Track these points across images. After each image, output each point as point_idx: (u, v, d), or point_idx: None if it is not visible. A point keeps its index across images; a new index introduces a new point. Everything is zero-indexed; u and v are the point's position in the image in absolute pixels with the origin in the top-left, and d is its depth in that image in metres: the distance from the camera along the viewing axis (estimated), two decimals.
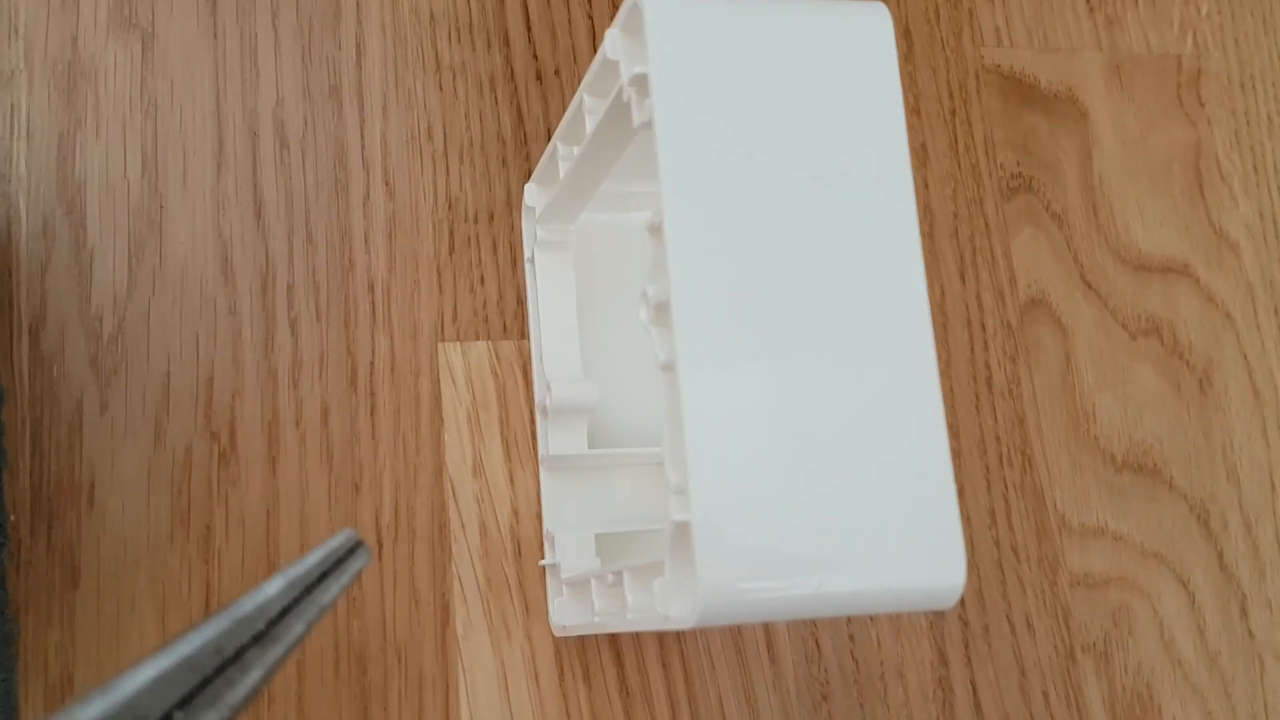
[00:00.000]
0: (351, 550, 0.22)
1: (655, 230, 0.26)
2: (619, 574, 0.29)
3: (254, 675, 0.20)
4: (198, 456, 0.35)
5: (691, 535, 0.24)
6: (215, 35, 0.38)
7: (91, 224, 0.36)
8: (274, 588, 0.21)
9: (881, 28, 0.28)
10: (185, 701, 0.19)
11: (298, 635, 0.21)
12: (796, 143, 0.27)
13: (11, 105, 0.36)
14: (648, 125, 0.26)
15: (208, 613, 0.34)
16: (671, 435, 0.25)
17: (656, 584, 0.26)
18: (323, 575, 0.21)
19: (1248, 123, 0.49)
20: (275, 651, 0.20)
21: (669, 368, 0.26)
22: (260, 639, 0.20)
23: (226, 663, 0.19)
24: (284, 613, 0.20)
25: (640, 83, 0.26)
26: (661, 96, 0.26)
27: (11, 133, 0.36)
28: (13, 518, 0.33)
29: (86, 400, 0.35)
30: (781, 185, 0.26)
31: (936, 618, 0.41)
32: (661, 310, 0.26)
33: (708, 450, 0.25)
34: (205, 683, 0.19)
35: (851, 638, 0.40)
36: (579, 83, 0.41)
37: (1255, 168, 0.48)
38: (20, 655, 0.33)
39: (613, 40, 0.28)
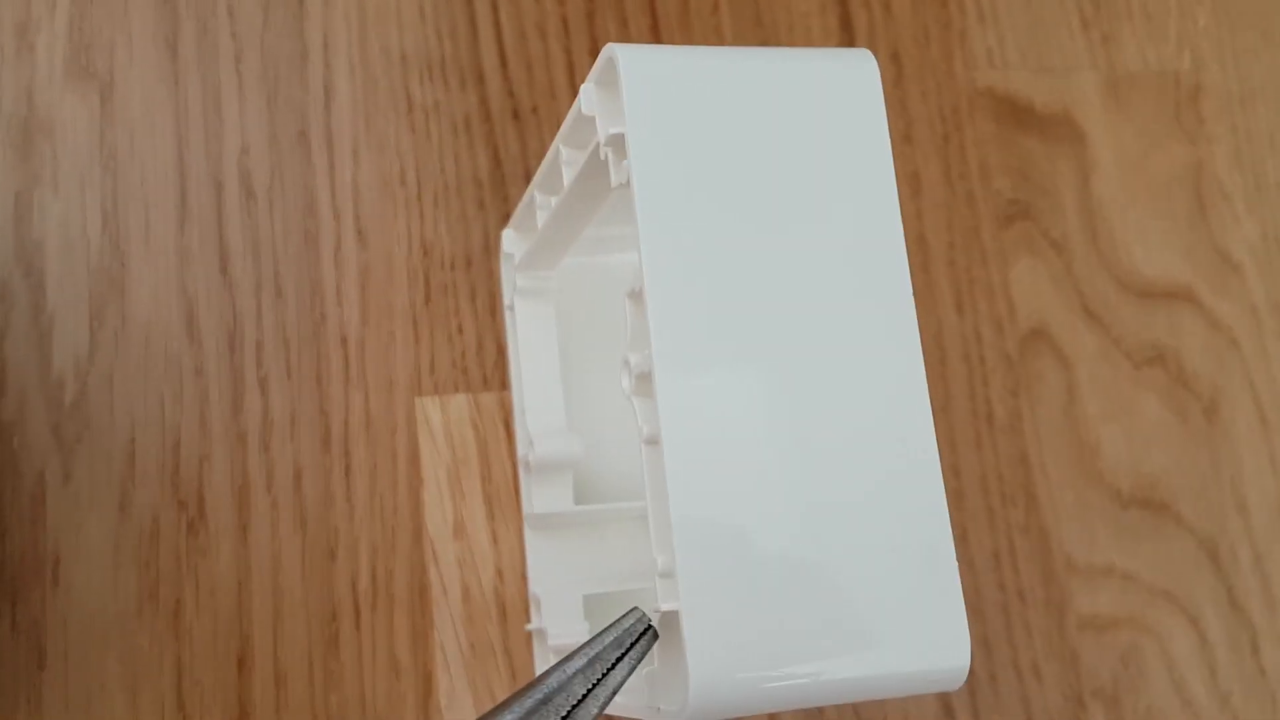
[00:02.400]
0: (642, 633, 0.23)
1: (635, 297, 0.25)
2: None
3: None
4: (165, 527, 0.34)
5: (680, 625, 0.23)
6: (176, 82, 0.37)
7: (51, 285, 0.34)
8: (575, 666, 0.22)
9: (868, 76, 0.26)
10: None
11: (592, 718, 0.22)
12: (782, 199, 0.25)
13: None
14: (625, 186, 0.25)
15: (180, 693, 0.33)
16: (656, 514, 0.24)
17: (646, 673, 0.25)
18: (618, 657, 0.22)
19: (1249, 140, 0.47)
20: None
21: (653, 442, 0.24)
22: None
23: None
24: (585, 695, 0.21)
25: (617, 143, 0.25)
26: (639, 159, 0.24)
27: None
28: None
29: (49, 471, 0.33)
30: (767, 245, 0.25)
31: None
32: (644, 380, 0.24)
33: (696, 531, 0.23)
34: None
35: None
36: (557, 120, 0.40)
37: (1257, 186, 0.47)
38: None
39: (588, 95, 0.26)
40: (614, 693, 0.22)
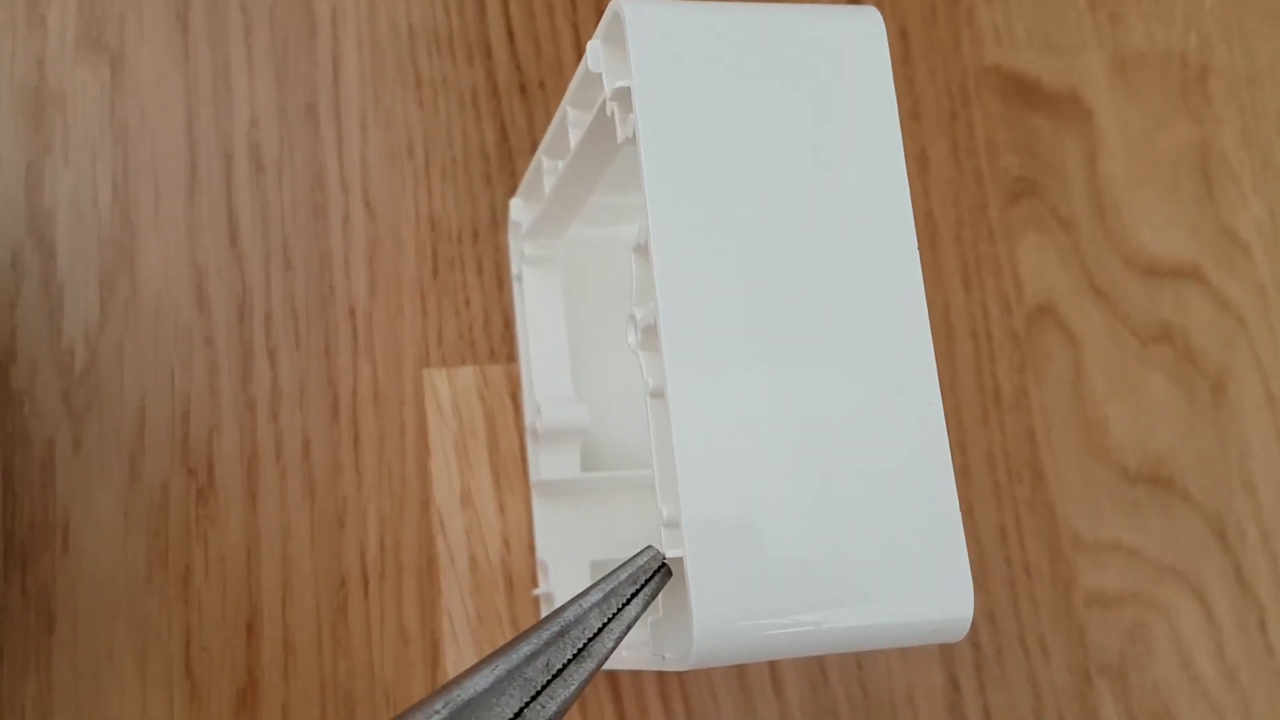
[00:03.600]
0: (657, 570, 0.23)
1: (641, 251, 0.25)
2: None
3: (572, 690, 0.21)
4: (175, 494, 0.34)
5: (685, 572, 0.23)
6: (186, 56, 0.37)
7: (61, 255, 0.35)
8: (591, 600, 0.22)
9: (874, 32, 0.26)
10: (517, 716, 0.20)
11: (608, 651, 0.22)
12: (788, 155, 0.25)
13: None
14: (632, 141, 0.25)
15: (188, 659, 0.33)
16: (661, 465, 0.24)
17: (651, 622, 0.25)
18: (632, 593, 0.23)
19: (1256, 119, 0.47)
20: (589, 666, 0.22)
21: (658, 394, 0.24)
22: (580, 655, 0.22)
23: (553, 678, 0.21)
24: (601, 629, 0.22)
25: (623, 97, 0.25)
26: (645, 112, 0.25)
27: None
28: None
29: (59, 438, 0.33)
30: (773, 201, 0.25)
31: (947, 643, 0.39)
32: (649, 334, 0.25)
33: (701, 481, 0.23)
34: (534, 697, 0.21)
35: (859, 665, 0.38)
36: (563, 94, 0.40)
37: (1265, 165, 0.47)
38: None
39: (594, 51, 0.26)
40: (629, 627, 0.23)
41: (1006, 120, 0.44)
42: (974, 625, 0.39)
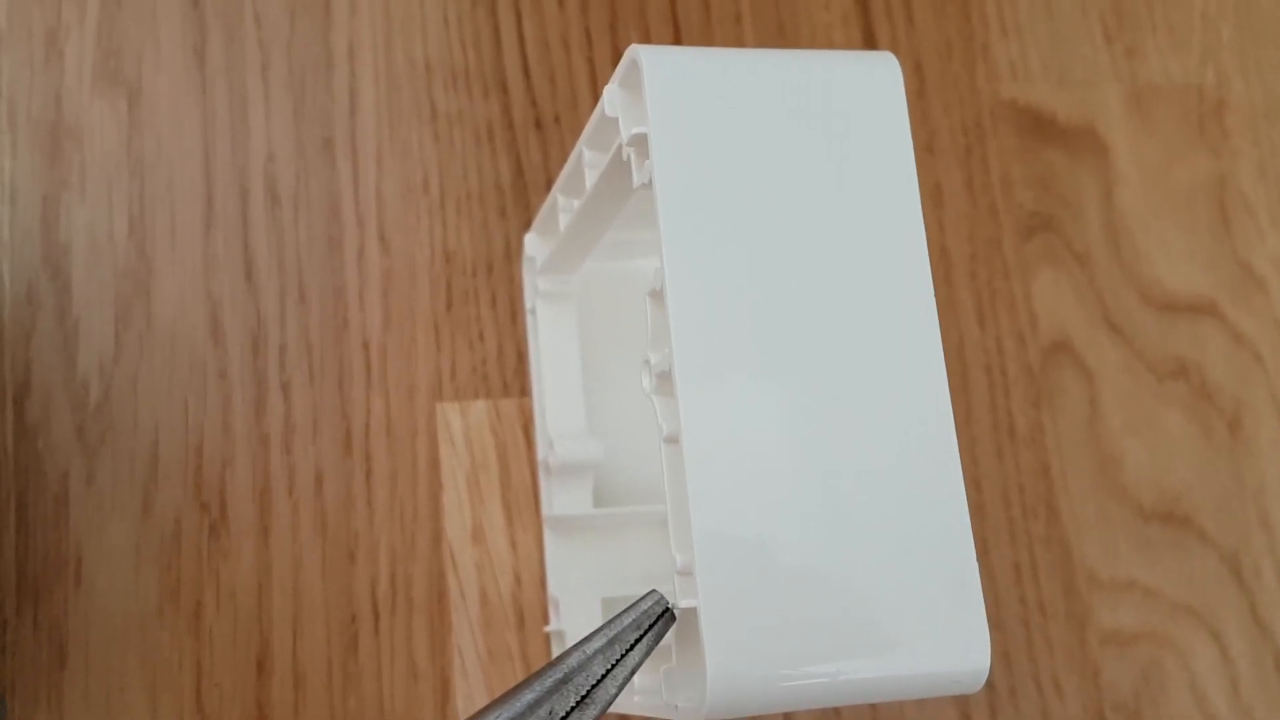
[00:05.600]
0: (661, 615, 0.23)
1: (656, 297, 0.25)
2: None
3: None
4: (187, 528, 0.34)
5: (699, 622, 0.23)
6: (204, 90, 0.37)
7: (77, 289, 0.35)
8: (594, 646, 0.22)
9: (890, 78, 0.26)
10: None
11: (611, 697, 0.22)
12: (804, 201, 0.25)
13: None
14: (648, 186, 0.25)
15: (199, 694, 0.33)
16: (675, 512, 0.24)
17: (664, 670, 0.25)
18: (636, 639, 0.23)
19: (1273, 153, 0.47)
20: (592, 713, 0.22)
21: (673, 440, 0.24)
22: (583, 702, 0.22)
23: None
24: (604, 675, 0.22)
25: (640, 143, 0.25)
26: (661, 158, 0.25)
27: None
28: None
29: (73, 472, 0.33)
30: (788, 247, 0.25)
31: None
32: (664, 379, 0.25)
33: (715, 529, 0.23)
34: None
35: (873, 705, 0.38)
36: (580, 130, 0.40)
37: None
38: None
39: (611, 96, 0.26)
40: (632, 672, 0.22)
41: (1022, 155, 0.44)
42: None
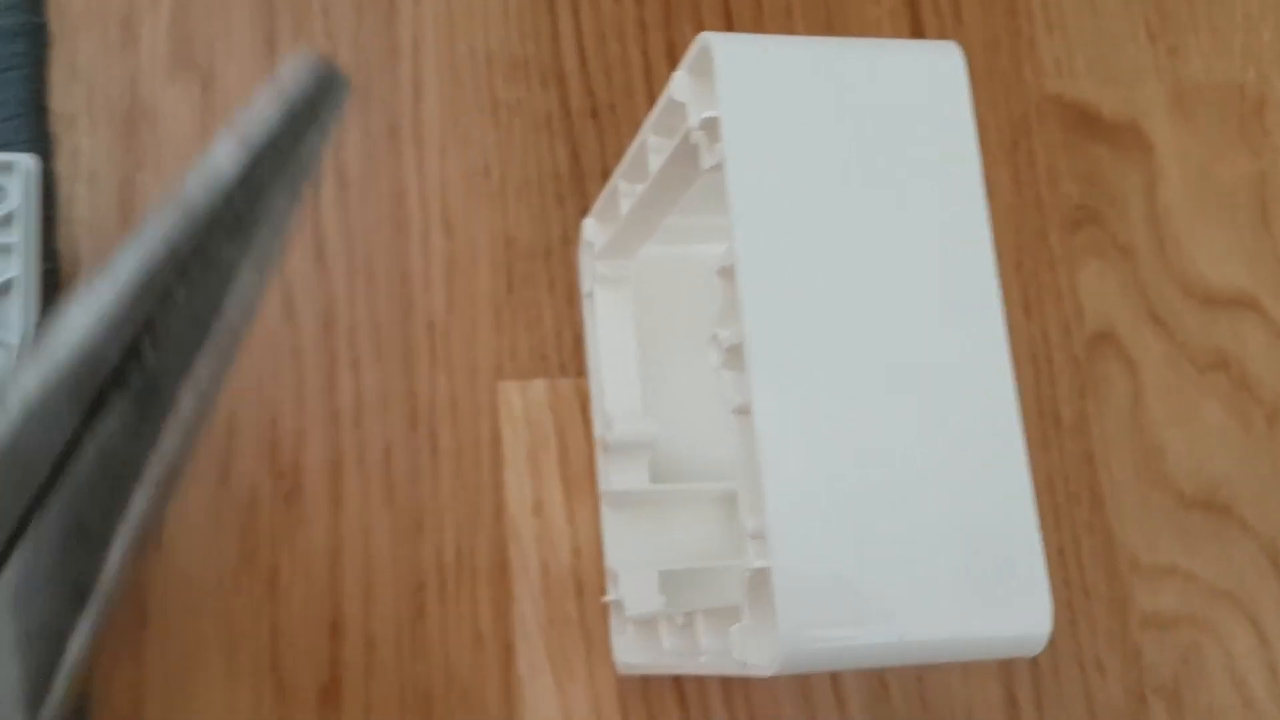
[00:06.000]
0: (323, 83, 0.16)
1: (726, 274, 0.26)
2: (690, 615, 0.29)
3: (247, 282, 0.15)
4: (263, 496, 0.35)
5: (771, 582, 0.24)
6: (274, 75, 0.38)
7: None
8: (224, 159, 0.16)
9: (954, 67, 0.27)
10: (145, 328, 0.15)
11: (282, 220, 0.16)
12: (870, 184, 0.26)
13: (74, 149, 0.37)
14: (717, 168, 0.26)
15: (275, 655, 0.34)
16: (747, 479, 0.25)
17: (734, 630, 0.26)
18: (295, 129, 0.16)
19: None
20: (260, 242, 0.16)
21: (743, 411, 0.25)
22: (234, 230, 0.15)
23: (187, 268, 0.15)
24: (253, 188, 0.16)
25: (710, 126, 0.26)
26: (733, 140, 0.26)
27: (74, 177, 0.36)
28: None
29: None
30: (854, 228, 0.26)
31: (1006, 661, 0.40)
32: (734, 353, 0.26)
33: (786, 494, 0.24)
34: (173, 290, 0.15)
35: (920, 679, 0.39)
36: (635, 119, 0.41)
37: None
38: (92, 694, 0.33)
39: (680, 82, 0.28)
40: (305, 174, 0.17)
41: (1067, 149, 0.45)
42: None
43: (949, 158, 0.27)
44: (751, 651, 0.25)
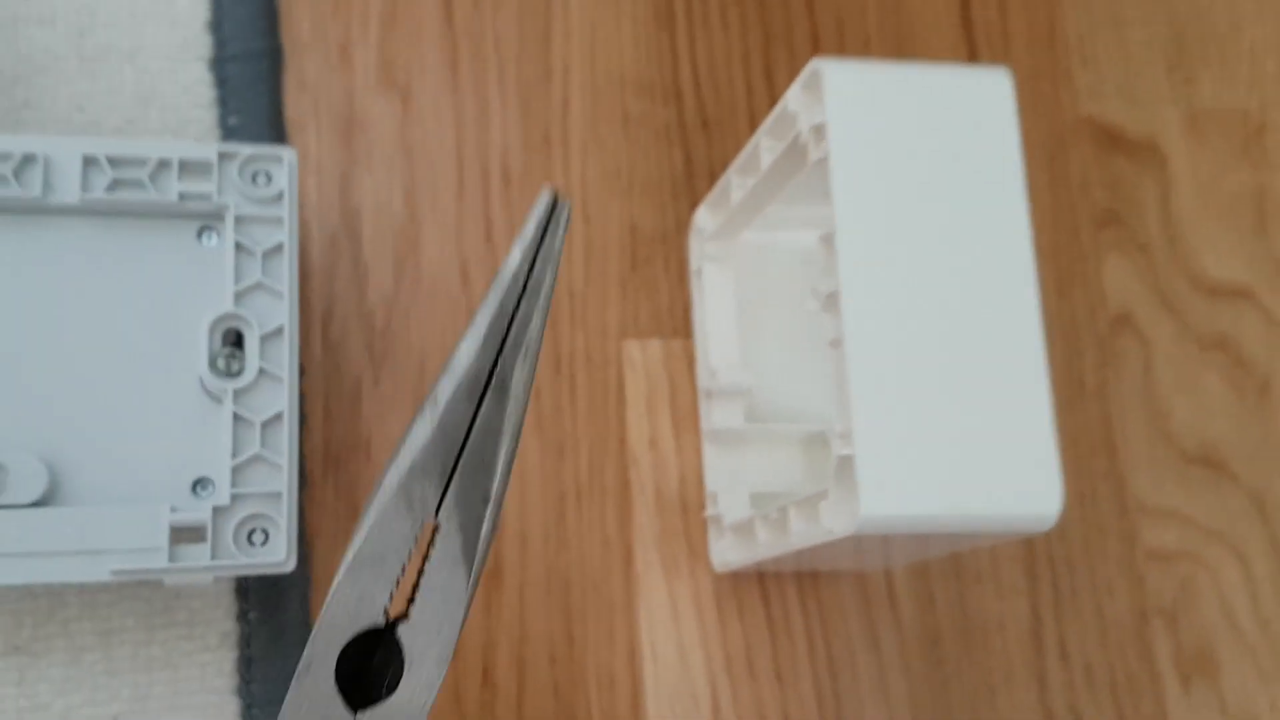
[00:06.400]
0: (553, 207, 0.28)
1: (827, 240, 0.35)
2: (783, 510, 0.38)
3: (536, 321, 0.27)
4: None
5: (855, 465, 0.33)
6: (456, 93, 0.48)
7: (366, 242, 0.46)
8: (516, 257, 0.27)
9: (1004, 89, 0.36)
10: (498, 354, 0.27)
11: (551, 281, 0.27)
12: (938, 179, 0.35)
13: (304, 148, 0.47)
14: (822, 162, 0.35)
15: None
16: (840, 394, 0.34)
17: (822, 506, 0.35)
18: (543, 234, 0.28)
19: None
20: (542, 297, 0.27)
21: (837, 344, 0.34)
22: (525, 291, 0.27)
23: (510, 319, 0.27)
24: (533, 266, 0.27)
25: (818, 130, 0.36)
26: (836, 141, 0.35)
27: (305, 170, 0.46)
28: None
29: (364, 377, 0.45)
30: (926, 212, 0.35)
31: (1033, 582, 0.48)
32: (831, 300, 0.35)
33: (866, 405, 0.33)
34: (505, 336, 0.27)
35: (960, 593, 0.48)
36: (737, 130, 0.50)
37: None
38: (311, 579, 0.43)
39: (795, 96, 0.37)
40: (558, 255, 0.28)
41: (1097, 161, 0.54)
42: (1054, 566, 0.49)
43: (999, 160, 0.36)
44: (838, 519, 0.34)
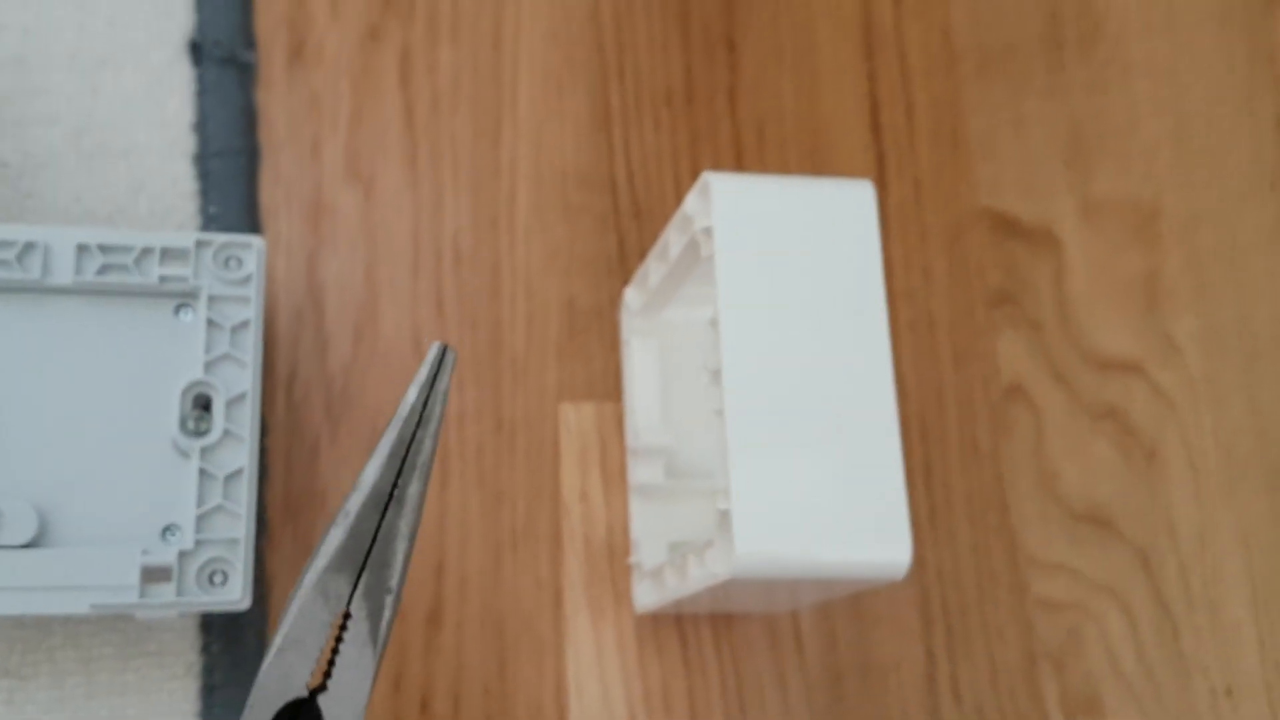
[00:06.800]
0: (443, 355, 0.34)
1: (714, 324, 0.41)
2: (684, 556, 0.43)
3: (428, 445, 0.33)
4: None
5: (731, 518, 0.38)
6: (415, 183, 0.54)
7: (328, 314, 0.52)
8: (412, 394, 0.34)
9: (868, 197, 0.42)
10: (398, 474, 0.33)
11: (440, 414, 0.34)
12: (809, 276, 0.41)
13: (276, 232, 0.53)
14: (710, 258, 0.41)
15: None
16: (721, 457, 0.40)
17: (708, 554, 0.40)
18: (435, 375, 0.34)
19: (1196, 253, 0.61)
20: (432, 427, 0.33)
21: (720, 413, 0.40)
22: (420, 422, 0.33)
23: (408, 445, 0.33)
24: (426, 402, 0.33)
25: (707, 231, 0.41)
26: (721, 241, 0.41)
27: (276, 251, 0.52)
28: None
29: (323, 435, 0.50)
30: (798, 301, 0.41)
31: (928, 625, 0.53)
32: (716, 375, 0.40)
33: (743, 467, 0.39)
34: (405, 460, 0.33)
35: (861, 636, 0.53)
36: (665, 219, 0.56)
37: (1200, 288, 0.61)
38: (268, 616, 0.48)
39: (691, 202, 0.43)
40: (445, 394, 0.34)
41: (993, 247, 0.59)
42: (948, 612, 0.54)
43: (862, 258, 0.42)
44: (720, 565, 0.39)
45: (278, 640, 0.32)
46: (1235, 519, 0.57)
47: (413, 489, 0.33)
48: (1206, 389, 0.59)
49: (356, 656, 0.33)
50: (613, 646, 0.50)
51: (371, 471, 0.33)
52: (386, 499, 0.33)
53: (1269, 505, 0.58)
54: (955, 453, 0.56)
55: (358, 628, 0.33)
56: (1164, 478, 0.57)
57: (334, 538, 0.33)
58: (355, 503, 0.33)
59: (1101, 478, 0.57)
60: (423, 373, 0.34)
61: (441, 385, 0.34)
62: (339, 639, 0.33)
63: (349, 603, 0.33)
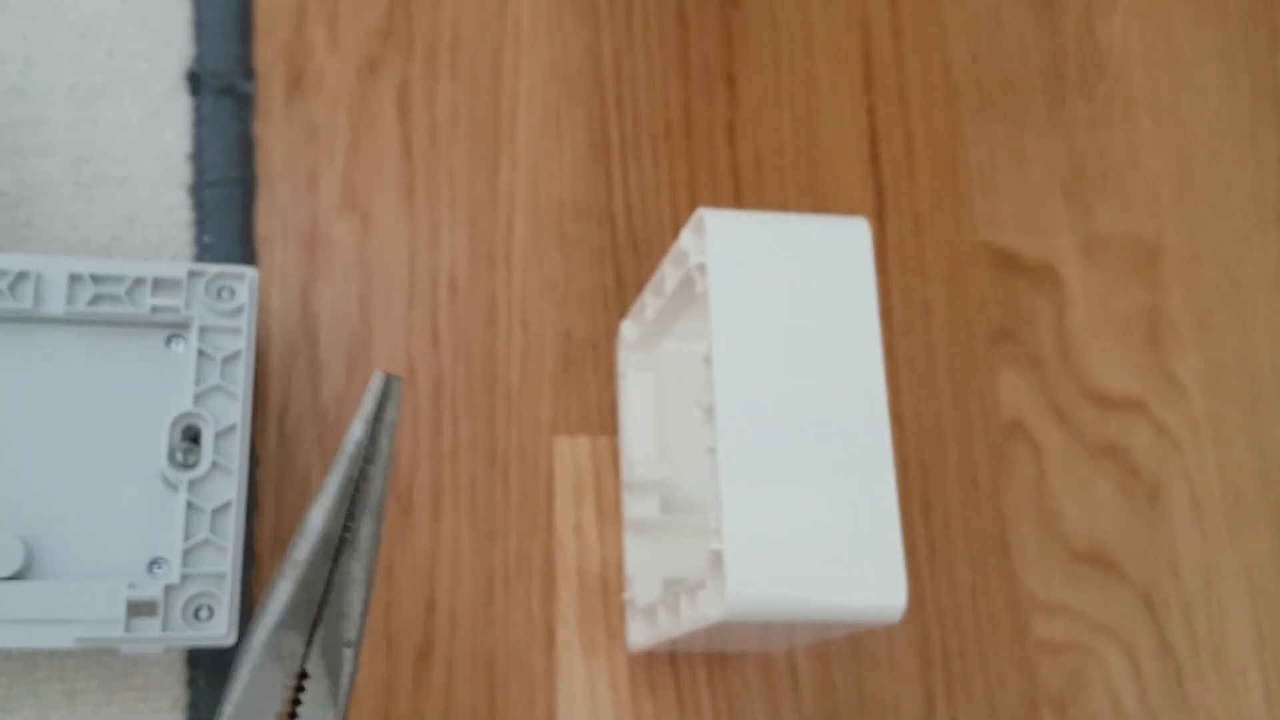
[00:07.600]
0: (387, 386, 0.33)
1: (707, 360, 0.40)
2: (676, 595, 0.43)
3: (379, 482, 0.32)
4: (389, 512, 0.50)
5: (724, 559, 0.38)
6: (411, 215, 0.54)
7: (322, 345, 0.51)
8: (358, 429, 0.32)
9: (863, 234, 0.42)
10: (348, 515, 0.32)
11: (388, 448, 0.32)
12: (803, 313, 0.41)
13: (271, 262, 0.52)
14: (705, 294, 0.41)
15: (387, 625, 0.48)
16: (713, 496, 0.39)
17: (700, 595, 0.39)
18: (380, 407, 0.33)
19: (1197, 289, 0.61)
20: (381, 462, 0.32)
21: (713, 451, 0.39)
22: (368, 459, 0.32)
23: (357, 484, 0.32)
24: (372, 437, 0.33)
25: (702, 266, 0.41)
26: (714, 277, 0.40)
27: (270, 281, 0.52)
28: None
29: (314, 468, 0.50)
30: (792, 337, 0.40)
31: (927, 667, 0.53)
32: (709, 412, 0.40)
33: (735, 507, 0.38)
34: (354, 499, 0.32)
35: (859, 676, 0.52)
36: (662, 252, 0.56)
37: (1202, 325, 0.61)
38: None
39: (686, 238, 0.42)
40: (393, 428, 0.32)
41: (993, 283, 0.59)
42: (947, 653, 0.53)
43: (857, 295, 0.41)
44: (712, 606, 0.39)
45: (228, 709, 0.30)
46: (1240, 559, 0.57)
47: (365, 530, 0.31)
48: (1209, 427, 0.59)
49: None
50: (605, 685, 0.49)
51: (318, 515, 0.31)
52: (338, 544, 0.31)
53: (1274, 545, 0.57)
54: (955, 490, 0.55)
55: (316, 688, 0.30)
56: (1167, 517, 0.57)
57: (283, 591, 0.30)
58: (303, 551, 0.31)
59: (1103, 517, 0.56)
60: (367, 405, 0.33)
61: (389, 417, 0.33)
62: (296, 701, 0.30)
63: (304, 661, 0.30)
